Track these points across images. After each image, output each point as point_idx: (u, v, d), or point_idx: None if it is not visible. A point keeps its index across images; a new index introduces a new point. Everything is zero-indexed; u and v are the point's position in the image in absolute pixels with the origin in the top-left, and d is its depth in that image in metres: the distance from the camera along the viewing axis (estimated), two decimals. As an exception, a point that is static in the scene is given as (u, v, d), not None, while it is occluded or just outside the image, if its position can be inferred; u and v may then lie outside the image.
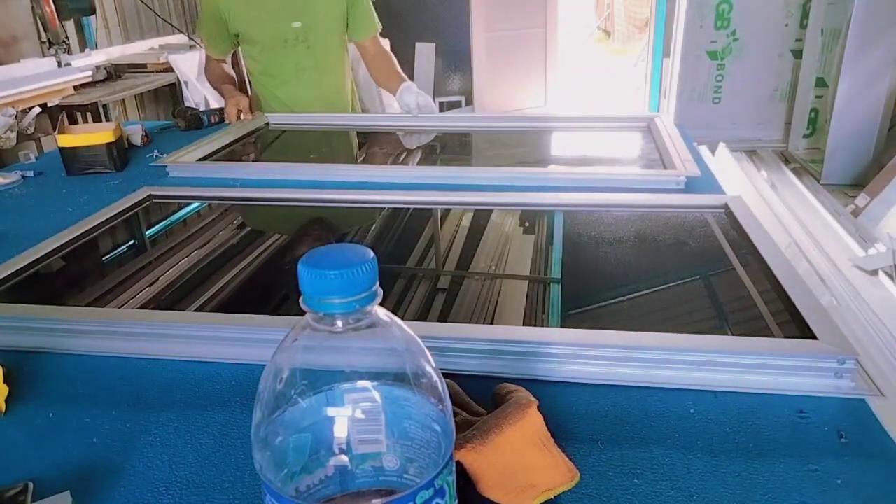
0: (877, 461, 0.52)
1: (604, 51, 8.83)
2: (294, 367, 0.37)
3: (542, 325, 0.76)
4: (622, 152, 1.51)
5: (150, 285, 0.88)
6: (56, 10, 2.89)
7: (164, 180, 1.29)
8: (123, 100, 3.47)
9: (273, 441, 0.37)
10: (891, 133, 3.49)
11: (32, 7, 2.91)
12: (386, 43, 1.96)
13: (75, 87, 2.97)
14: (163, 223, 1.14)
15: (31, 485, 0.52)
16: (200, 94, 3.53)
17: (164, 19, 4.06)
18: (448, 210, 1.12)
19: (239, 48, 1.84)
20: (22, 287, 0.87)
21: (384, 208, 1.13)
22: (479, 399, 0.57)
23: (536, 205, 1.10)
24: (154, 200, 1.19)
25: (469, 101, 4.41)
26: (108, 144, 1.35)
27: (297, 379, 0.36)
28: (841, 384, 0.60)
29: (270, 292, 0.88)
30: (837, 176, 3.50)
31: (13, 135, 2.48)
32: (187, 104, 3.49)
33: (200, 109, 1.79)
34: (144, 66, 3.48)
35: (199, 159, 1.37)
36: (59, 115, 2.78)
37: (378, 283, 0.37)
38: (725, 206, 1.03)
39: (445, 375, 0.40)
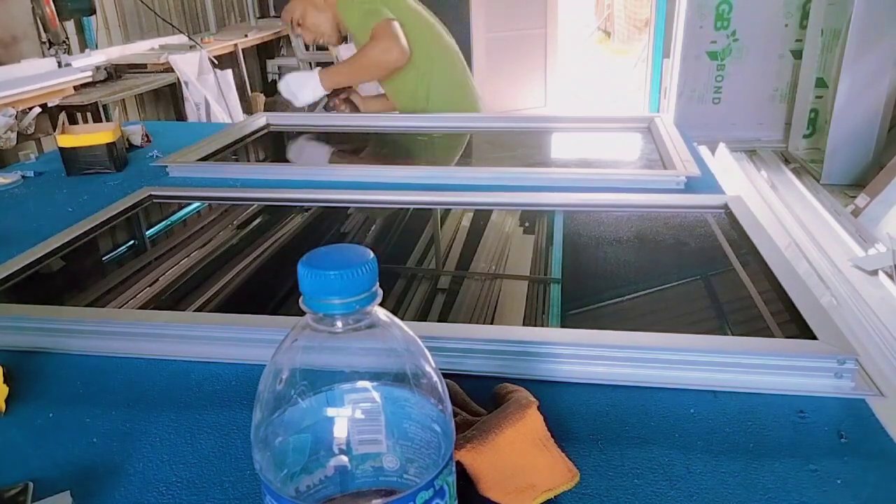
0: (877, 461, 0.52)
1: (604, 51, 8.83)
2: (294, 368, 0.37)
3: (542, 326, 0.76)
4: (622, 153, 1.51)
5: (150, 285, 0.88)
6: (56, 10, 2.89)
7: (164, 180, 1.29)
8: (123, 100, 3.47)
9: (273, 441, 0.37)
10: (891, 133, 3.49)
11: (32, 7, 2.91)
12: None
13: (75, 88, 2.97)
14: (163, 223, 1.14)
15: (31, 485, 0.52)
16: (201, 95, 3.53)
17: (164, 19, 4.06)
18: (448, 210, 1.12)
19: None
20: (22, 287, 0.87)
21: (384, 208, 1.13)
22: (479, 399, 0.57)
23: (536, 205, 1.10)
24: (154, 200, 1.19)
25: (469, 102, 4.40)
26: (108, 145, 1.35)
27: (297, 379, 0.36)
28: (841, 384, 0.60)
29: (270, 292, 0.88)
30: (837, 176, 3.50)
31: (13, 135, 2.48)
32: (188, 104, 3.49)
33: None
34: (144, 66, 3.49)
35: (199, 159, 1.37)
36: (59, 115, 2.78)
37: (378, 284, 0.37)
38: (725, 207, 1.03)
39: (445, 376, 0.40)
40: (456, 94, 1.86)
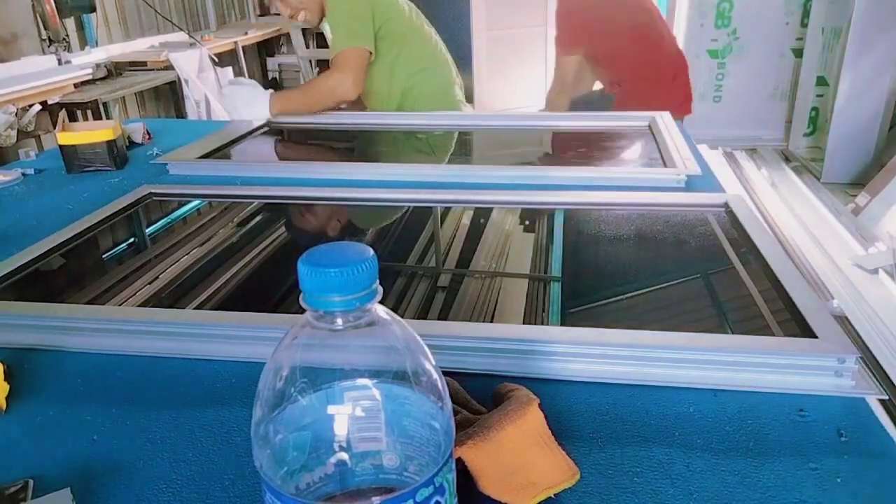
0: (877, 460, 0.52)
1: (604, 49, 8.80)
2: (294, 365, 0.37)
3: (542, 324, 0.76)
4: (623, 151, 1.51)
5: (150, 283, 0.88)
6: (56, 7, 2.89)
7: (164, 178, 1.29)
8: (124, 97, 3.47)
9: (273, 439, 0.37)
10: (891, 132, 3.49)
11: (33, 4, 2.91)
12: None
13: (75, 85, 2.97)
14: (163, 221, 1.14)
15: (31, 482, 0.52)
16: (201, 92, 3.53)
17: (164, 17, 4.06)
18: (448, 208, 1.12)
19: None
20: (22, 284, 0.87)
21: (384, 206, 1.13)
22: (479, 397, 0.57)
23: (537, 203, 1.10)
24: (154, 198, 1.19)
25: (469, 100, 4.39)
26: (108, 142, 1.35)
27: (297, 377, 0.36)
28: (841, 383, 0.60)
29: (270, 290, 0.88)
30: (838, 175, 3.50)
31: (13, 132, 2.48)
32: (188, 102, 3.49)
33: None
34: (145, 63, 3.49)
35: (200, 157, 1.36)
36: (60, 112, 2.78)
37: (378, 281, 0.37)
38: (726, 205, 1.02)
39: (445, 373, 0.40)
40: (438, 102, 1.86)
